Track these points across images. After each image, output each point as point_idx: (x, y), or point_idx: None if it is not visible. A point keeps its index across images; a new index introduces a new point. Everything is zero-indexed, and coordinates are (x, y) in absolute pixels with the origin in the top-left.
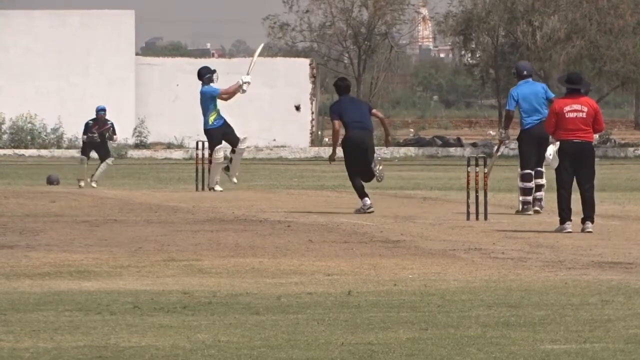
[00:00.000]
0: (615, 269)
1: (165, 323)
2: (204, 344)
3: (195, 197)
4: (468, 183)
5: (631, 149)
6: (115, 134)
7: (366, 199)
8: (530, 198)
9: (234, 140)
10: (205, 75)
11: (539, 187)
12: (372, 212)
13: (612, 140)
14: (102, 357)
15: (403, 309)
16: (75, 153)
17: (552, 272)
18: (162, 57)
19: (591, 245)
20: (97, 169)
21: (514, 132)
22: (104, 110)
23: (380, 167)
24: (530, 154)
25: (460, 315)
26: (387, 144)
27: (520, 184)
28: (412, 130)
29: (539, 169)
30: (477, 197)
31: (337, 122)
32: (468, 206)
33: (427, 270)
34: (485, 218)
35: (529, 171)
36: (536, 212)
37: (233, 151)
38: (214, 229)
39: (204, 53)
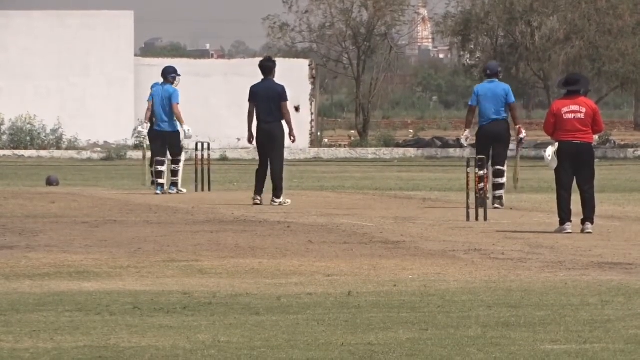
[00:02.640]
0: (615, 269)
1: (165, 323)
2: (204, 344)
3: (194, 198)
4: (468, 184)
5: (631, 150)
6: None
7: (256, 196)
8: (494, 192)
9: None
10: (171, 74)
11: (499, 186)
12: (258, 204)
13: (612, 141)
14: (102, 358)
15: (403, 310)
16: (75, 154)
17: (552, 273)
18: (162, 58)
19: (591, 246)
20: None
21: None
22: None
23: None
24: (483, 151)
25: (460, 315)
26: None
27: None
28: (411, 131)
29: (499, 167)
30: (477, 198)
31: (251, 105)
32: (468, 207)
33: (427, 270)
34: (485, 219)
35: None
36: (496, 209)
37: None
38: (213, 229)
39: (204, 54)
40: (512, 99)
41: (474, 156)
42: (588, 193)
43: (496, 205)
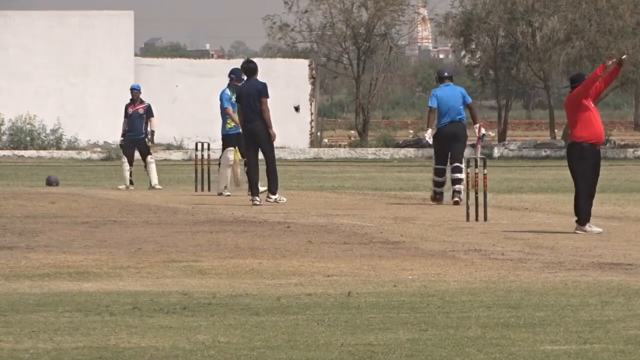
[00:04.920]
0: (615, 270)
1: (165, 324)
2: (204, 344)
3: (194, 198)
4: (468, 184)
5: (631, 150)
6: (152, 115)
7: (255, 197)
8: (441, 189)
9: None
10: (231, 75)
11: (457, 181)
12: (257, 204)
13: (612, 142)
14: (102, 358)
15: (403, 310)
16: (75, 154)
17: (551, 273)
18: (162, 58)
19: (591, 247)
20: (147, 172)
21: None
22: (139, 89)
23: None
24: (441, 151)
25: (460, 316)
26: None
27: (434, 177)
28: (411, 131)
29: (458, 164)
30: (476, 198)
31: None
32: (468, 207)
33: (427, 271)
34: (485, 219)
35: (440, 167)
36: (455, 203)
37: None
38: (213, 230)
39: (204, 54)
40: (469, 99)
41: (473, 157)
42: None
43: (455, 199)
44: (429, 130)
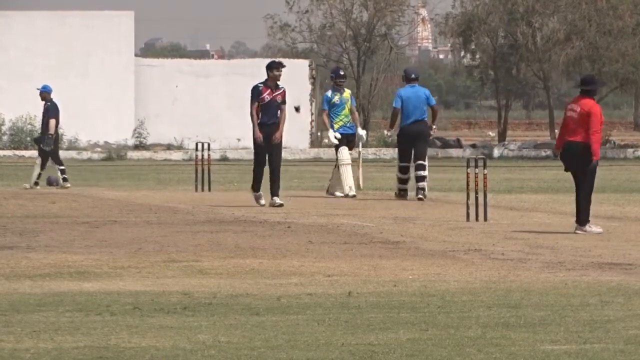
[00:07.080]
0: (614, 270)
1: (165, 324)
2: (204, 344)
3: (194, 198)
4: (468, 184)
5: (630, 150)
6: (52, 117)
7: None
8: (405, 186)
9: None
10: (331, 74)
11: (421, 178)
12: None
13: (612, 142)
14: (103, 358)
15: (403, 310)
16: (75, 154)
17: (551, 273)
18: (162, 58)
19: (591, 246)
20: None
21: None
22: (43, 89)
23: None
24: (406, 149)
25: (460, 316)
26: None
27: (398, 175)
28: None
29: (421, 162)
30: (476, 198)
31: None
32: (468, 207)
33: (427, 271)
34: (485, 219)
35: (404, 164)
36: (420, 199)
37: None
38: (213, 230)
39: (204, 54)
40: (433, 101)
41: (473, 157)
42: (578, 194)
43: (419, 196)
44: (392, 131)
